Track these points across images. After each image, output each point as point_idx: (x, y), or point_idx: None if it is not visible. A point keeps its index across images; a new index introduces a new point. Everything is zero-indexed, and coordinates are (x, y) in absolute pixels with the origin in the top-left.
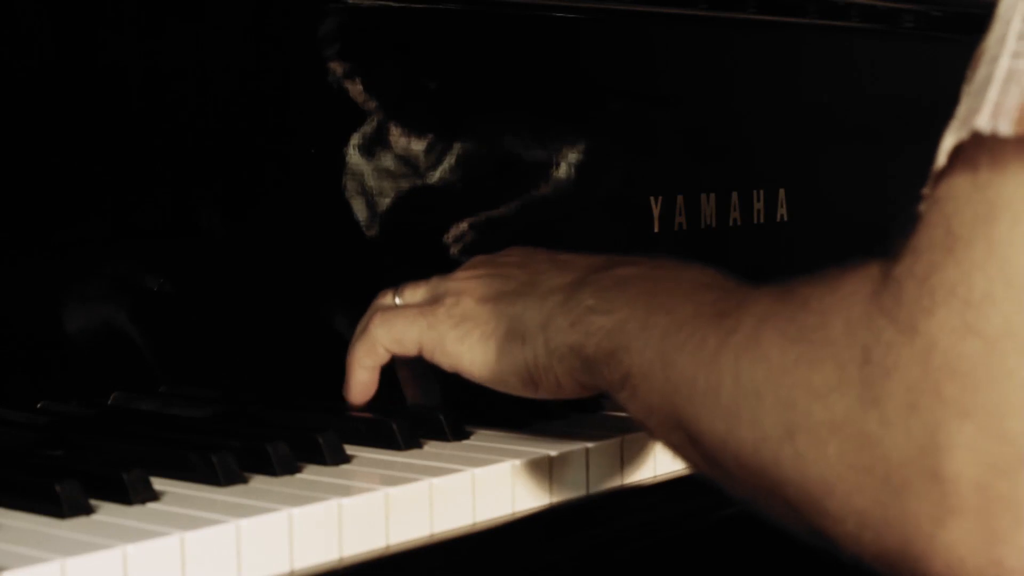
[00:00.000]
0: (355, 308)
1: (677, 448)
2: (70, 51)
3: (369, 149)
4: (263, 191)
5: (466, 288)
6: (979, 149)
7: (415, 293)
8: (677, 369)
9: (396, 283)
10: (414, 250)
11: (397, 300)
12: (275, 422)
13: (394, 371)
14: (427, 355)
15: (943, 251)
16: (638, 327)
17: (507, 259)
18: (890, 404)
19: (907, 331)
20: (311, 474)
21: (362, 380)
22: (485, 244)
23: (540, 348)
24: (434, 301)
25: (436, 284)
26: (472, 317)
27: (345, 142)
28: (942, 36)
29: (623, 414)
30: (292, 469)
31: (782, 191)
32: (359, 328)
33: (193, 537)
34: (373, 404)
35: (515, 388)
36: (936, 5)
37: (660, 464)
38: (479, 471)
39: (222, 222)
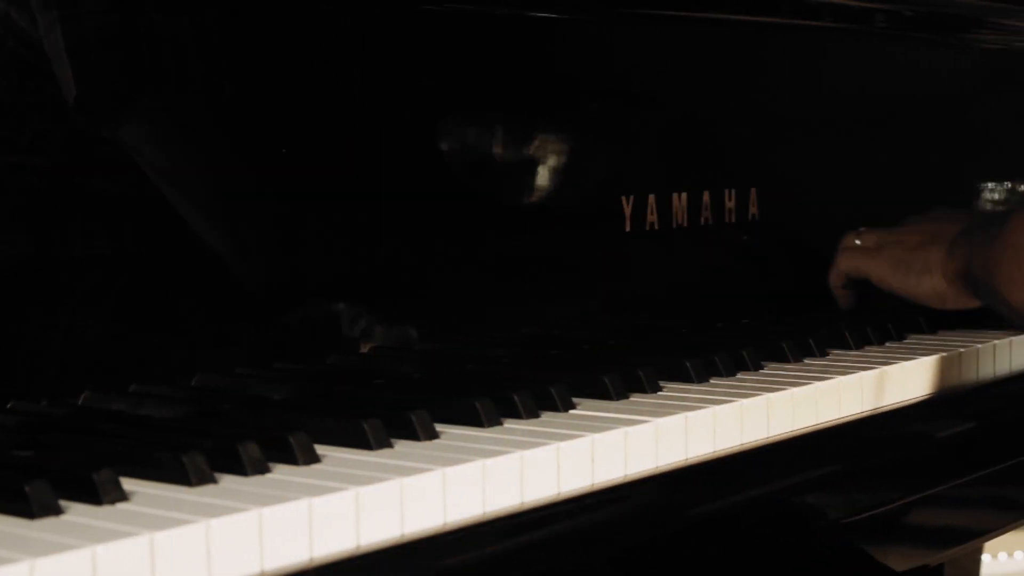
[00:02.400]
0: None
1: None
2: None
3: (357, 146)
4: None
5: (899, 240)
6: None
7: (869, 238)
8: (988, 246)
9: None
10: (406, 244)
11: (857, 241)
12: (246, 422)
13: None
14: (875, 283)
15: None
16: (972, 237)
17: (925, 217)
18: None
19: None
20: (282, 474)
21: (840, 296)
22: (459, 240)
23: (940, 278)
24: (880, 246)
25: (881, 235)
26: (903, 260)
27: (330, 142)
28: (914, 35)
29: (595, 413)
30: (262, 469)
31: (753, 190)
32: (835, 261)
33: (163, 537)
34: (858, 308)
35: (931, 304)
36: (908, 5)
37: (632, 463)
38: (450, 470)
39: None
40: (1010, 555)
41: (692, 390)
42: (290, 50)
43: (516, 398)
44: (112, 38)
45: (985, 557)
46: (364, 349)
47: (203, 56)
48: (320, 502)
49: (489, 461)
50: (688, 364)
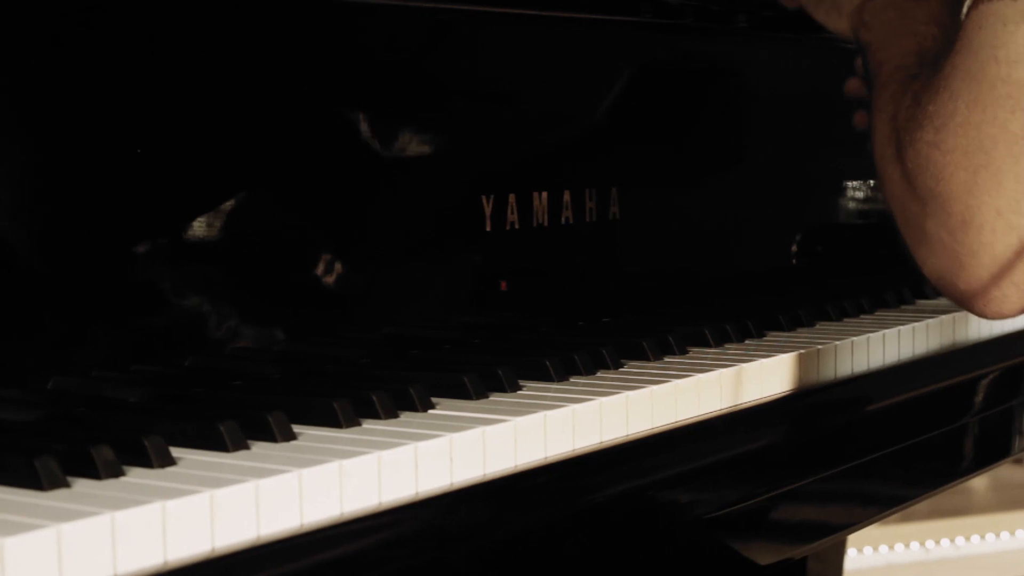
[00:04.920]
0: None
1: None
2: None
3: (215, 144)
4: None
5: None
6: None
7: None
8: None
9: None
10: (265, 244)
11: None
12: (101, 424)
13: None
14: (804, 8)
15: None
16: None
17: None
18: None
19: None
20: (136, 477)
21: None
22: (320, 240)
23: (846, 21)
24: None
25: None
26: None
27: (184, 139)
28: (776, 36)
29: (454, 412)
30: (116, 472)
31: (614, 190)
32: None
33: (13, 543)
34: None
35: (838, 32)
36: (770, 6)
37: (491, 462)
38: (307, 472)
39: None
40: (875, 549)
41: (552, 389)
42: (118, 40)
43: (374, 398)
44: None
45: (850, 551)
46: (224, 350)
47: (66, 50)
48: (174, 505)
49: (347, 462)
50: (548, 363)
